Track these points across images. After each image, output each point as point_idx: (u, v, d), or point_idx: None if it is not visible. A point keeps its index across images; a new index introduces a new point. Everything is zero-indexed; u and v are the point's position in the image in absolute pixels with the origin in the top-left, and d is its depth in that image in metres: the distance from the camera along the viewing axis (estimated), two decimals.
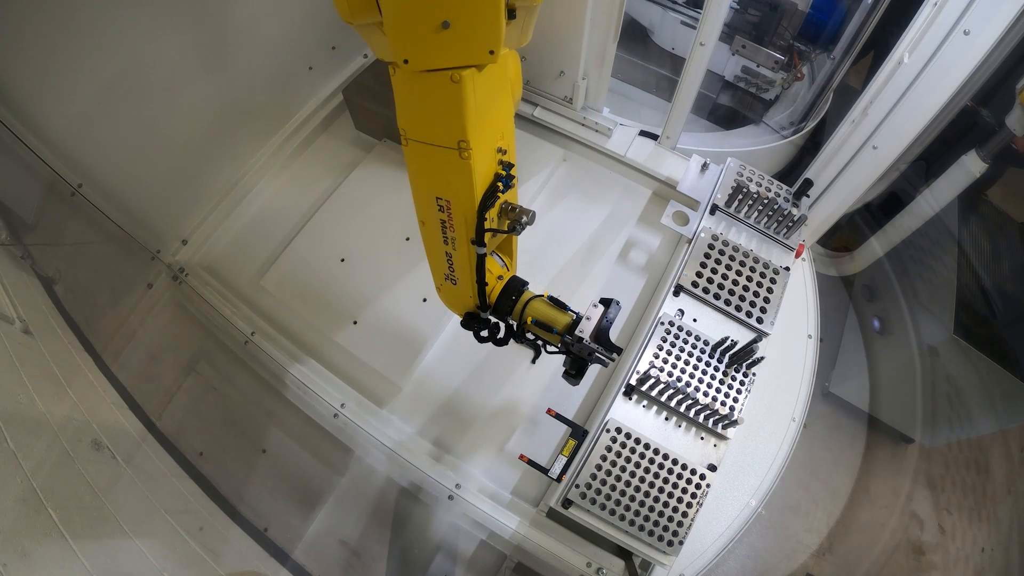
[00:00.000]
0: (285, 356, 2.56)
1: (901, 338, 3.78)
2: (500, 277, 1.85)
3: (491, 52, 1.26)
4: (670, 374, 2.04)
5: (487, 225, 1.54)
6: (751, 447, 2.44)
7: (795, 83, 3.83)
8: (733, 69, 3.91)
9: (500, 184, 1.50)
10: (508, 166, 1.53)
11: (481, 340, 1.96)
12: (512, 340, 1.96)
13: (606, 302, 1.77)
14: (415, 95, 1.36)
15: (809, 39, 3.64)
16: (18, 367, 1.85)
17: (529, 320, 1.79)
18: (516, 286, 1.85)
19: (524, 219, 1.60)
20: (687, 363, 2.07)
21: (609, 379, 2.54)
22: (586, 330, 1.70)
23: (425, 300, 2.66)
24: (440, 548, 2.42)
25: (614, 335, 1.79)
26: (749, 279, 2.25)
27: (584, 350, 1.70)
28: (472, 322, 1.90)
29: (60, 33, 2.01)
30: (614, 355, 1.74)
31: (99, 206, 2.41)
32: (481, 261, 1.66)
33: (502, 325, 1.96)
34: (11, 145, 2.10)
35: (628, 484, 1.90)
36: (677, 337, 2.10)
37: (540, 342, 1.91)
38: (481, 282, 1.73)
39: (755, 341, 1.98)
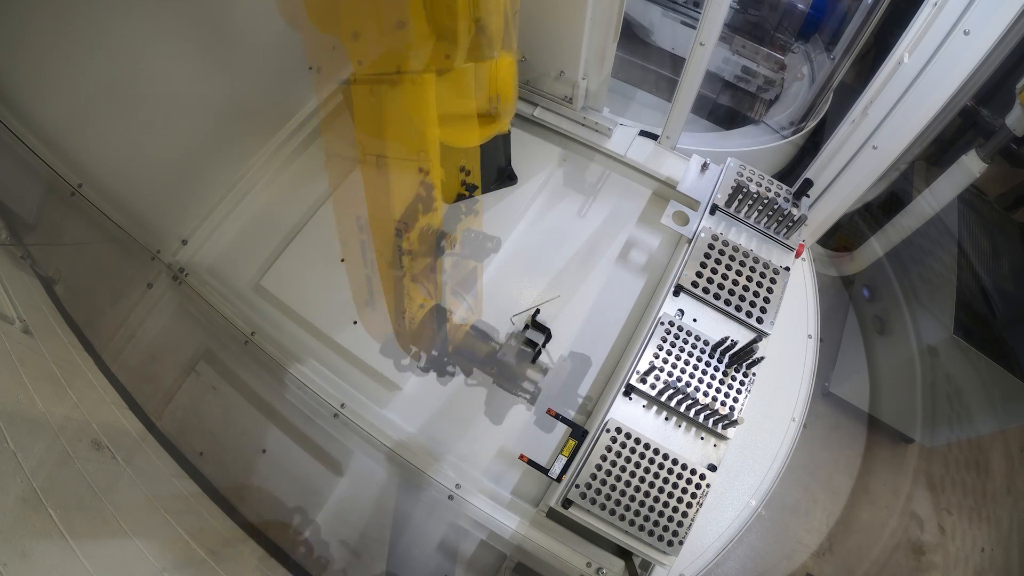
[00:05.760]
0: (285, 356, 2.56)
1: (901, 338, 3.78)
2: (422, 305, 1.87)
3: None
4: (670, 374, 2.04)
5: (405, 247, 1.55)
6: (751, 447, 2.44)
7: (795, 83, 3.83)
8: (733, 69, 3.92)
9: (420, 206, 1.51)
10: (429, 187, 1.52)
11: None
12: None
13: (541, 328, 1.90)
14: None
15: (809, 38, 3.65)
16: (18, 367, 1.85)
17: (450, 349, 1.83)
18: (439, 315, 1.90)
19: (443, 243, 1.63)
20: (687, 363, 2.06)
21: (609, 379, 2.54)
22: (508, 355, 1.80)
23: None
24: (440, 548, 2.42)
25: (611, 337, 1.80)
26: (749, 279, 2.25)
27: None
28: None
29: (60, 33, 2.01)
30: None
31: (99, 206, 2.41)
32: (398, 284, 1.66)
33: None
34: (11, 145, 2.10)
35: (628, 484, 1.90)
36: (677, 337, 2.10)
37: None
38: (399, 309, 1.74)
39: (755, 341, 1.98)
